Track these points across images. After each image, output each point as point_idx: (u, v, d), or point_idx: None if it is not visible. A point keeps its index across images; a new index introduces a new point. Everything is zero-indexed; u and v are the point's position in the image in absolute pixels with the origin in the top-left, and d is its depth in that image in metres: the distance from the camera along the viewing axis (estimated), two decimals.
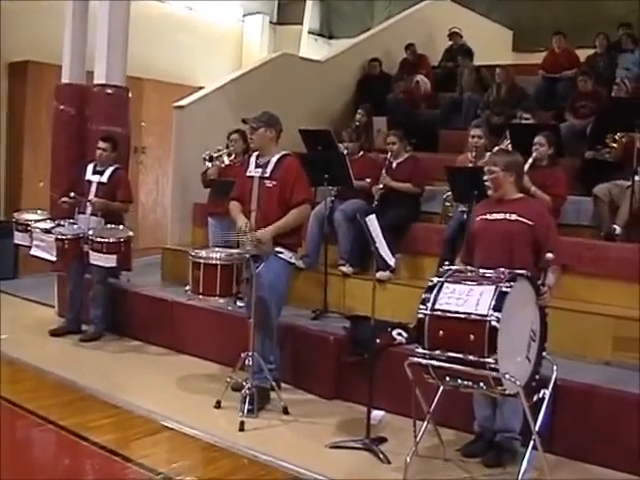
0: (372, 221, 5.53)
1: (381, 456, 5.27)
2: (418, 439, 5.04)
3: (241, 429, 5.68)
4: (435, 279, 4.74)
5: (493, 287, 4.48)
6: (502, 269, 4.68)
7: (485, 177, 5.30)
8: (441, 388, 5.00)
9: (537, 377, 4.82)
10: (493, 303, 4.40)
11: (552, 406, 5.09)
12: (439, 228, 7.71)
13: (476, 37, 13.10)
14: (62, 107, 9.33)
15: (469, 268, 4.96)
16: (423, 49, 13.07)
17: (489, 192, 5.32)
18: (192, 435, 5.63)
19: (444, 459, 5.26)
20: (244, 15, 14.92)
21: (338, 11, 16.00)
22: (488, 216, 5.26)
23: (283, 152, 6.30)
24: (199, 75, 13.19)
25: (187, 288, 6.39)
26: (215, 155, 8.32)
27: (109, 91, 8.87)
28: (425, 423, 5.08)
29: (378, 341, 5.95)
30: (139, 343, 8.03)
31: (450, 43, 12.76)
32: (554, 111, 10.12)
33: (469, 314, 4.44)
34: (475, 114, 10.41)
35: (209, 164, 8.35)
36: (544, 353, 4.89)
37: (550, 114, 10.06)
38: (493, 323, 4.34)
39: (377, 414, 5.89)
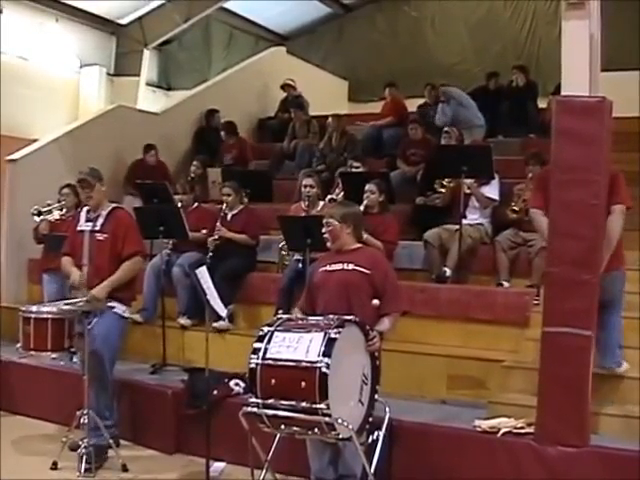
0: (203, 273, 5.57)
1: None
2: None
3: None
4: (266, 328, 4.80)
5: (322, 334, 4.57)
6: (331, 316, 4.78)
7: (323, 229, 5.41)
8: (278, 436, 5.04)
9: (371, 419, 4.93)
10: (322, 349, 4.49)
11: (389, 446, 5.22)
12: (276, 277, 7.79)
13: (313, 88, 13.41)
14: None
15: (299, 316, 5.05)
16: (260, 100, 13.32)
17: (328, 244, 5.42)
18: None
19: None
20: (81, 66, 14.69)
21: (175, 62, 16.02)
22: (328, 267, 5.35)
23: (113, 205, 6.30)
24: (35, 128, 12.85)
25: (18, 345, 6.23)
26: (44, 210, 8.17)
27: None
28: (264, 472, 5.10)
29: (216, 392, 5.95)
30: None
31: (285, 94, 12.98)
32: (385, 159, 10.42)
33: (299, 361, 4.51)
34: (308, 163, 10.59)
35: (37, 219, 8.20)
36: (376, 396, 5.00)
37: (382, 162, 10.35)
38: (323, 369, 4.43)
39: (218, 466, 5.86)
